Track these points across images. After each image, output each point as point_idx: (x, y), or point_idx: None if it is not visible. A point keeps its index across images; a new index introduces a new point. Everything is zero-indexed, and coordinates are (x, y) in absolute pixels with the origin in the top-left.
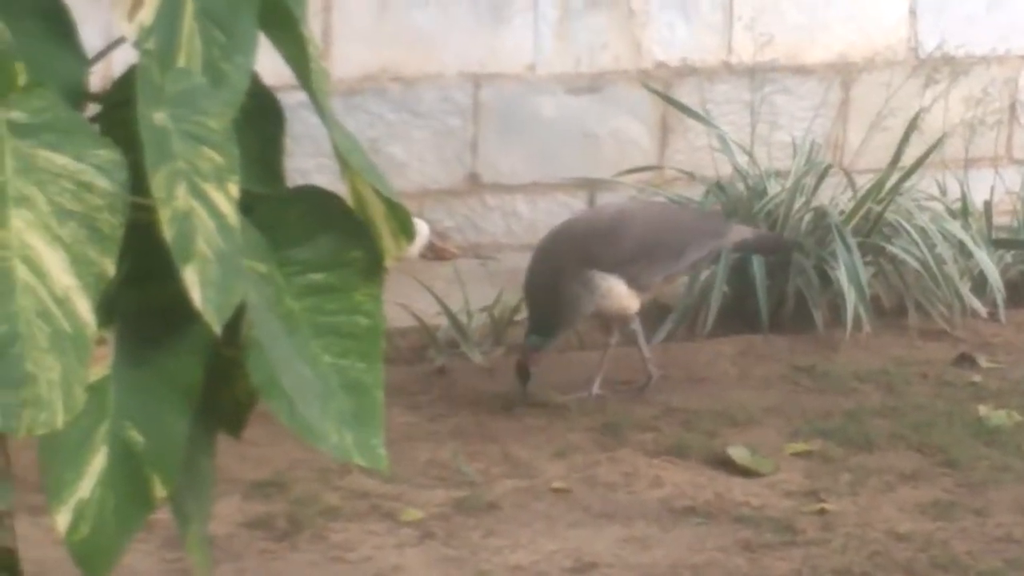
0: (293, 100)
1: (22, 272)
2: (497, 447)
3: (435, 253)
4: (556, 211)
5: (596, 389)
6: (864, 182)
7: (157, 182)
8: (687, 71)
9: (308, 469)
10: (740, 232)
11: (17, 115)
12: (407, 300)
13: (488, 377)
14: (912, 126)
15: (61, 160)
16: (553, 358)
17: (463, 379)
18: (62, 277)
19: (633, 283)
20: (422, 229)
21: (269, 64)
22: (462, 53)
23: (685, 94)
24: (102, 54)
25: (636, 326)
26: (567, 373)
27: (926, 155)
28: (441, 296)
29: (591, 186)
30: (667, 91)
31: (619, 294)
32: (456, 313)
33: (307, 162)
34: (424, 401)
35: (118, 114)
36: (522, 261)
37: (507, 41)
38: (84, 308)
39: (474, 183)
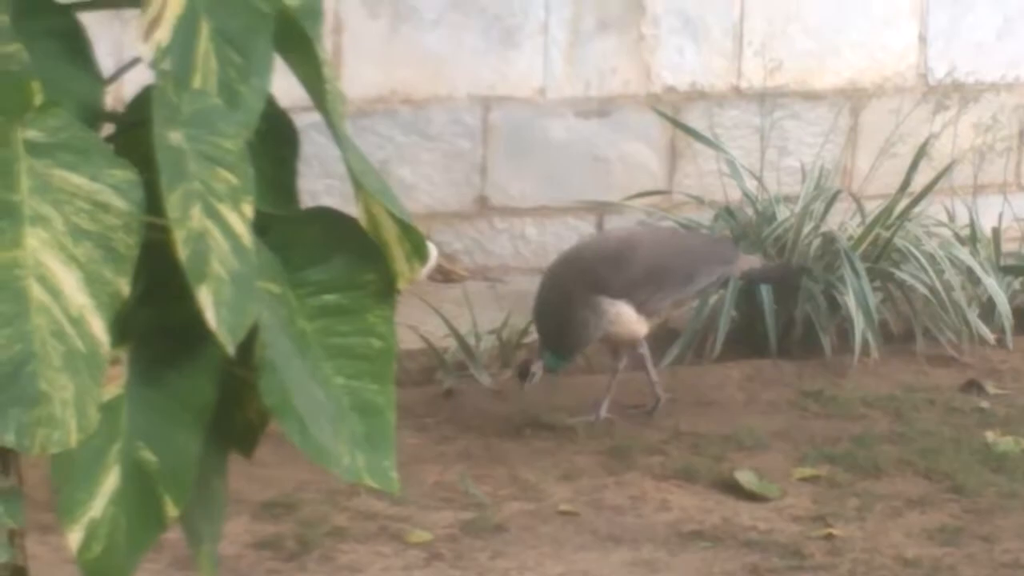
0: (303, 121)
1: (37, 291)
2: (505, 469)
3: (444, 275)
4: (565, 234)
5: (604, 412)
6: (873, 208)
7: (172, 202)
8: (696, 96)
9: (316, 490)
10: (748, 261)
11: (34, 134)
12: (416, 322)
13: (496, 399)
14: (921, 152)
15: (77, 180)
16: (562, 381)
17: (471, 401)
18: (77, 296)
19: (642, 308)
20: (431, 251)
21: (280, 85)
22: (472, 76)
23: (694, 119)
24: (118, 74)
25: (644, 350)
26: (575, 396)
27: (935, 181)
28: (449, 318)
29: (600, 210)
30: (676, 115)
31: (628, 319)
32: (464, 335)
33: (316, 183)
34: (432, 423)
35: (133, 134)
36: (530, 284)
37: (517, 64)
38: (98, 327)
39: (483, 206)
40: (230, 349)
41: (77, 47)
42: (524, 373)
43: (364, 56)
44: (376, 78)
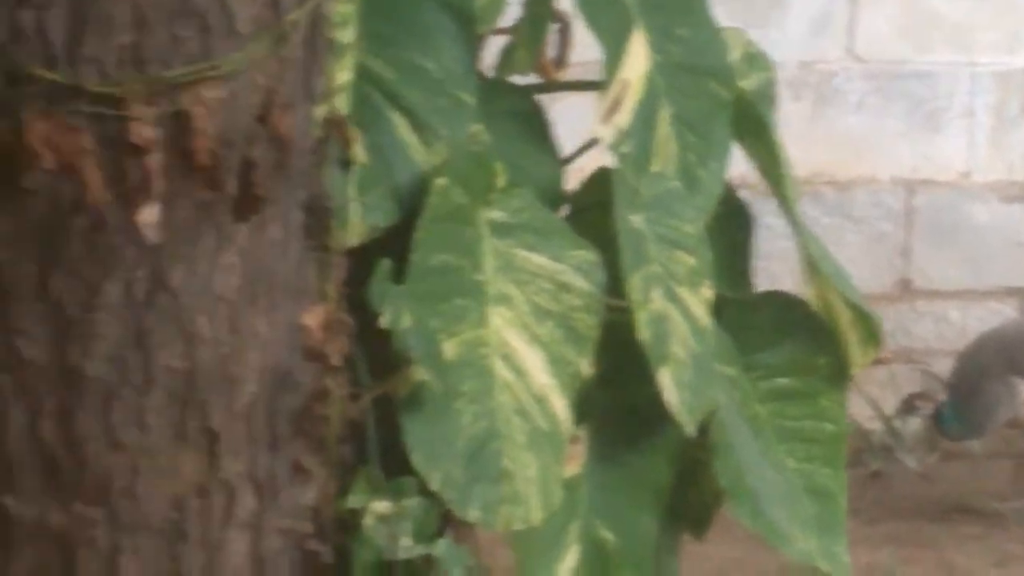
0: None
1: (501, 369)
2: (933, 553)
3: None
4: (987, 319)
5: None
6: None
7: (633, 284)
8: None
9: (746, 570)
10: None
11: (497, 215)
12: None
13: (923, 483)
14: None
15: (539, 260)
16: (983, 465)
17: (898, 484)
18: (540, 376)
19: None
20: None
21: None
22: (894, 158)
23: None
24: (575, 155)
25: None
26: (1003, 480)
27: None
28: (875, 400)
29: (1023, 295)
30: None
31: None
32: (890, 417)
33: None
34: (860, 505)
35: (587, 215)
36: None
37: (940, 148)
38: (561, 407)
39: (905, 288)
40: (691, 430)
41: (535, 128)
42: (908, 404)
43: (789, 138)
44: (800, 159)
